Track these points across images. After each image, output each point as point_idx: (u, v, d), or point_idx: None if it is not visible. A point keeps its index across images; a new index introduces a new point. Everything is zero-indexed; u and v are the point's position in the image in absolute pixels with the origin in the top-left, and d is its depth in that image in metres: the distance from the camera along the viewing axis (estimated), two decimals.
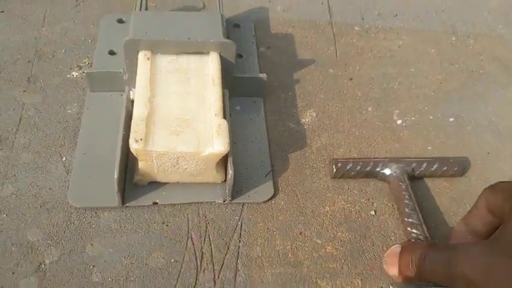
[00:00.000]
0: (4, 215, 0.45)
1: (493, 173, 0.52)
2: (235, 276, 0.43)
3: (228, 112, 0.49)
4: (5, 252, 0.43)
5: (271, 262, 0.44)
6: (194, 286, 0.42)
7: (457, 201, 0.50)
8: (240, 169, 0.49)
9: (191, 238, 0.45)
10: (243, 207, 0.47)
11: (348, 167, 0.49)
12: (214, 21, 0.51)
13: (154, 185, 0.47)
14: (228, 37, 0.52)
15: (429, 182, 0.51)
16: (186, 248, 0.44)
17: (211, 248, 0.44)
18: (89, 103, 0.53)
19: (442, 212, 0.49)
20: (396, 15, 0.68)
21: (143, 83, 0.46)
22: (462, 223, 0.42)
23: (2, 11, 0.62)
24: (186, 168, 0.45)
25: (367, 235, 0.47)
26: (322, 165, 0.51)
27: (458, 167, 0.50)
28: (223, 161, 0.46)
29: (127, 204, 0.46)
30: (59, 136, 0.51)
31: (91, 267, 0.43)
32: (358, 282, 0.44)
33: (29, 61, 0.57)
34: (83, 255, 0.43)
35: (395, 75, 0.60)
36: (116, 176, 0.43)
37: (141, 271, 0.43)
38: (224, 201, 0.47)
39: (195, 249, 0.44)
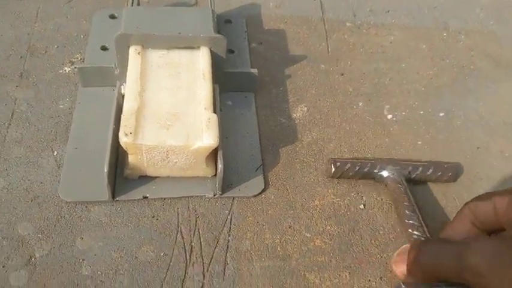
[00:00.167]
0: None
1: (482, 167, 0.52)
2: (224, 269, 0.43)
3: (219, 106, 0.49)
4: None
5: (260, 255, 0.44)
6: (183, 279, 0.43)
7: (446, 196, 0.50)
8: (231, 163, 0.50)
9: (181, 232, 0.45)
10: (233, 201, 0.48)
11: (346, 167, 0.49)
12: (205, 16, 0.51)
13: (145, 179, 0.47)
14: (219, 32, 0.52)
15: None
16: (175, 242, 0.45)
17: (200, 242, 0.45)
18: (81, 98, 0.53)
19: (434, 210, 0.49)
20: (388, 12, 0.68)
21: (134, 78, 0.46)
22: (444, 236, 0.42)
23: None
24: (176, 162, 0.45)
25: (355, 229, 0.47)
26: (313, 160, 0.52)
27: (452, 173, 0.50)
28: (213, 155, 0.46)
29: (117, 198, 0.46)
30: (51, 131, 0.51)
31: (81, 260, 0.43)
32: (346, 275, 0.44)
33: (21, 57, 0.57)
34: (72, 248, 0.44)
35: (386, 70, 0.60)
36: (106, 170, 0.43)
37: (130, 264, 0.43)
38: (214, 195, 0.47)
39: (184, 243, 0.44)
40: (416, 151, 0.53)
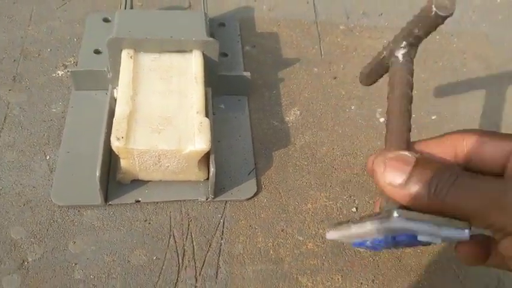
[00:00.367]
0: None
1: None
2: (217, 273, 0.43)
3: (211, 110, 0.49)
4: None
5: (253, 259, 0.45)
6: (176, 283, 0.43)
7: None
8: (224, 167, 0.50)
9: (173, 236, 0.45)
10: (225, 205, 0.48)
11: None
12: (198, 19, 0.52)
13: (137, 183, 0.47)
14: (212, 36, 0.52)
15: None
16: (168, 246, 0.45)
17: (193, 246, 0.45)
18: (74, 102, 0.53)
19: None
20: (381, 14, 0.68)
21: (126, 81, 0.46)
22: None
23: None
24: (168, 166, 0.45)
25: None
26: (306, 163, 0.52)
27: None
28: (206, 159, 0.46)
29: (110, 202, 0.46)
30: (44, 135, 0.51)
31: (73, 264, 0.43)
32: (338, 278, 0.44)
33: (14, 60, 0.57)
34: (65, 252, 0.44)
35: None
36: (98, 174, 0.43)
37: (123, 268, 0.43)
38: (207, 199, 0.47)
39: (177, 247, 0.45)
40: None
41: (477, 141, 0.32)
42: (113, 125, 0.43)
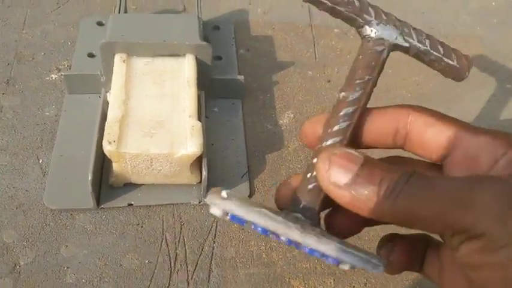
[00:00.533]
0: None
1: None
2: (209, 276, 0.43)
3: (204, 114, 0.49)
4: None
5: (245, 262, 0.45)
6: (167, 287, 0.43)
7: None
8: (217, 170, 0.50)
9: (165, 239, 0.45)
10: None
11: None
12: (191, 23, 0.52)
13: (130, 186, 0.47)
14: (206, 39, 0.52)
15: None
16: (160, 249, 0.45)
17: (185, 249, 0.45)
18: (67, 105, 0.53)
19: None
20: None
21: (118, 85, 0.46)
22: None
23: None
24: (160, 169, 0.45)
25: None
26: (299, 166, 0.52)
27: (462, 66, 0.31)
28: (198, 163, 0.46)
29: (102, 206, 0.46)
30: (37, 138, 0.51)
31: (65, 268, 0.43)
32: (330, 282, 0.44)
33: (8, 64, 0.57)
34: (57, 256, 0.44)
35: None
36: (89, 178, 0.43)
37: (115, 272, 0.43)
38: (199, 202, 0.47)
39: (169, 251, 0.45)
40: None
41: (422, 121, 0.28)
42: (105, 128, 0.43)
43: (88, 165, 0.44)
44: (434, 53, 0.29)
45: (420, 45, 0.29)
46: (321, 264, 0.45)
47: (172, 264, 0.44)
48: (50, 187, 0.47)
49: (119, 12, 0.56)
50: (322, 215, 0.28)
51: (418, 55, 0.30)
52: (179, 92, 0.47)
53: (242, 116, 0.55)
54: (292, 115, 0.56)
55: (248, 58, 0.61)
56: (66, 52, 0.59)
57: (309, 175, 0.27)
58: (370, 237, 0.46)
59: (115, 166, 0.45)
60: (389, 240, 0.29)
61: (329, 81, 0.60)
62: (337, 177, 0.25)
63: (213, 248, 0.45)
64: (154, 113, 0.45)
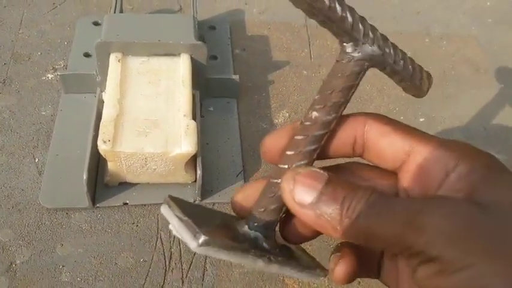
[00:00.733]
0: None
1: None
2: (203, 275, 0.44)
3: (199, 113, 0.49)
4: None
5: None
6: (162, 285, 0.43)
7: None
8: (212, 169, 0.50)
9: (160, 238, 0.45)
10: (213, 206, 0.48)
11: None
12: (186, 23, 0.52)
13: (125, 185, 0.48)
14: (201, 39, 0.53)
15: None
16: (155, 248, 0.45)
17: (180, 248, 0.45)
18: (63, 105, 0.53)
19: None
20: (371, 17, 0.68)
21: (113, 85, 0.47)
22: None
23: None
24: (155, 168, 0.45)
25: None
26: None
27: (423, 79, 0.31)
28: (193, 162, 0.47)
29: (98, 205, 0.46)
30: (33, 138, 0.51)
31: (61, 267, 0.43)
32: (324, 280, 0.44)
33: (4, 63, 0.57)
34: (53, 255, 0.44)
35: (367, 76, 0.60)
36: (84, 177, 0.44)
37: (110, 271, 0.43)
38: (194, 201, 0.48)
39: (164, 249, 0.45)
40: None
41: (377, 130, 0.28)
42: (100, 128, 0.43)
43: (83, 164, 0.45)
44: (404, 73, 0.29)
45: (395, 66, 0.28)
46: None
47: (167, 262, 0.44)
48: (45, 186, 0.47)
49: (115, 12, 0.56)
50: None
51: (390, 74, 0.29)
52: (174, 92, 0.48)
53: (237, 115, 0.55)
54: (287, 114, 0.56)
55: (244, 58, 0.61)
56: (63, 52, 0.59)
57: (270, 195, 0.27)
58: None
59: (110, 165, 0.45)
60: (338, 250, 0.29)
61: None
62: (302, 196, 0.26)
63: None
64: (149, 112, 0.46)
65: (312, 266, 0.28)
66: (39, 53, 0.59)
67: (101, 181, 0.47)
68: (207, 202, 0.48)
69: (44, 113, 0.53)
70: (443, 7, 0.71)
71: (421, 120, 0.57)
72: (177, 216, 0.26)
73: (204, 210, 0.32)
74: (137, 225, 0.46)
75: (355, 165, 0.30)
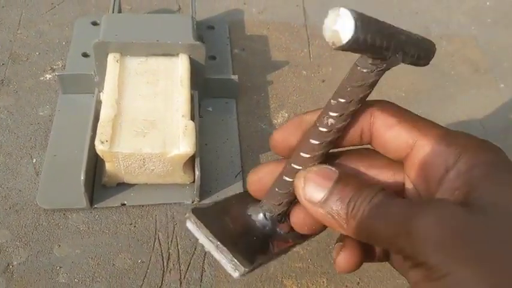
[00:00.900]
0: None
1: None
2: (202, 276, 0.43)
3: (197, 113, 0.49)
4: None
5: None
6: (160, 286, 0.43)
7: None
8: (210, 170, 0.50)
9: (158, 239, 0.45)
10: None
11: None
12: (185, 23, 0.52)
13: (123, 186, 0.47)
14: (200, 39, 0.52)
15: None
16: (153, 249, 0.45)
17: (178, 249, 0.45)
18: (61, 105, 0.53)
19: None
20: None
21: (111, 85, 0.47)
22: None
23: None
24: (153, 169, 0.45)
25: (333, 234, 0.47)
26: None
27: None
28: (191, 162, 0.46)
29: (95, 206, 0.46)
30: (30, 138, 0.51)
31: (58, 268, 0.43)
32: (323, 281, 0.44)
33: (3, 64, 0.57)
34: (50, 256, 0.44)
35: None
36: (82, 178, 0.43)
37: (107, 272, 0.43)
38: (193, 202, 0.47)
39: (162, 250, 0.45)
40: None
41: (382, 123, 0.28)
42: (98, 128, 0.43)
43: (81, 165, 0.44)
44: (416, 61, 0.29)
45: (412, 58, 0.28)
46: (313, 263, 0.45)
47: (165, 263, 0.44)
48: (43, 187, 0.47)
49: (113, 12, 0.56)
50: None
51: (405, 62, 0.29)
52: (172, 92, 0.47)
53: (236, 116, 0.55)
54: (286, 115, 0.56)
55: (243, 58, 0.61)
56: (61, 52, 0.59)
57: (285, 191, 0.29)
58: None
59: (108, 166, 0.45)
60: (341, 239, 0.30)
61: (323, 81, 0.60)
62: (312, 194, 0.27)
63: None
64: (147, 113, 0.45)
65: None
66: (37, 53, 0.59)
67: (98, 182, 0.47)
68: (206, 203, 0.48)
69: (41, 113, 0.53)
70: (442, 7, 0.71)
71: None
72: (209, 240, 0.28)
73: (226, 217, 0.33)
74: (135, 226, 0.46)
75: (367, 151, 0.30)
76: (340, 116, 0.28)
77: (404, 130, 0.28)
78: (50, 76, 0.56)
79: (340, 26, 0.22)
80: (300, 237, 0.30)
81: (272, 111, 0.56)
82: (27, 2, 0.64)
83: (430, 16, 0.69)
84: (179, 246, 0.45)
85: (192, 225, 0.30)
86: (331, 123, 0.28)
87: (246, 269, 0.26)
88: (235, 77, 0.54)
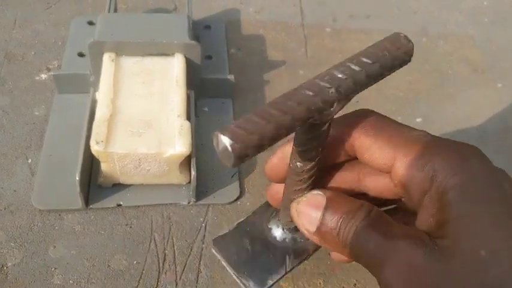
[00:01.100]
0: None
1: None
2: (197, 277, 0.43)
3: (193, 113, 0.49)
4: None
5: None
6: None
7: None
8: (206, 170, 0.49)
9: (154, 240, 0.45)
10: (208, 208, 0.48)
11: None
12: (181, 22, 0.51)
13: (119, 187, 0.47)
14: (196, 38, 0.52)
15: None
16: (148, 250, 0.44)
17: (174, 250, 0.45)
18: (57, 105, 0.53)
19: None
20: (368, 17, 0.68)
21: (106, 85, 0.46)
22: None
23: None
24: (149, 169, 0.45)
25: None
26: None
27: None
28: (187, 162, 0.46)
29: (91, 206, 0.46)
30: (26, 138, 0.51)
31: (53, 269, 0.43)
32: (320, 282, 0.44)
33: None
34: (45, 257, 0.43)
35: None
36: (77, 178, 0.43)
37: (102, 273, 0.43)
38: (189, 202, 0.47)
39: (157, 251, 0.44)
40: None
41: (360, 145, 0.31)
42: (93, 128, 0.43)
43: (76, 165, 0.44)
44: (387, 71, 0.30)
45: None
46: (310, 264, 0.45)
47: (161, 264, 0.44)
48: (38, 187, 0.47)
49: (109, 12, 0.56)
50: None
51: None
52: (168, 92, 0.47)
53: (233, 116, 0.55)
54: None
55: (239, 57, 0.61)
56: (57, 52, 0.59)
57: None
58: None
59: (103, 166, 0.44)
60: None
61: None
62: (307, 226, 0.30)
63: (202, 249, 0.45)
64: (143, 113, 0.45)
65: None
66: (33, 53, 0.58)
67: (94, 182, 0.47)
68: (202, 203, 0.47)
69: (37, 113, 0.53)
70: (439, 7, 0.71)
71: (418, 120, 0.57)
72: (232, 274, 0.40)
73: (246, 238, 0.42)
74: (131, 227, 0.45)
75: (358, 162, 0.33)
76: (304, 161, 0.30)
77: (379, 152, 0.30)
78: (46, 76, 0.56)
79: (222, 152, 0.24)
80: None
81: None
82: (23, 1, 0.64)
83: (428, 16, 0.69)
84: (175, 247, 0.45)
85: (216, 253, 0.41)
86: (300, 166, 0.31)
87: None
88: (231, 77, 0.54)
